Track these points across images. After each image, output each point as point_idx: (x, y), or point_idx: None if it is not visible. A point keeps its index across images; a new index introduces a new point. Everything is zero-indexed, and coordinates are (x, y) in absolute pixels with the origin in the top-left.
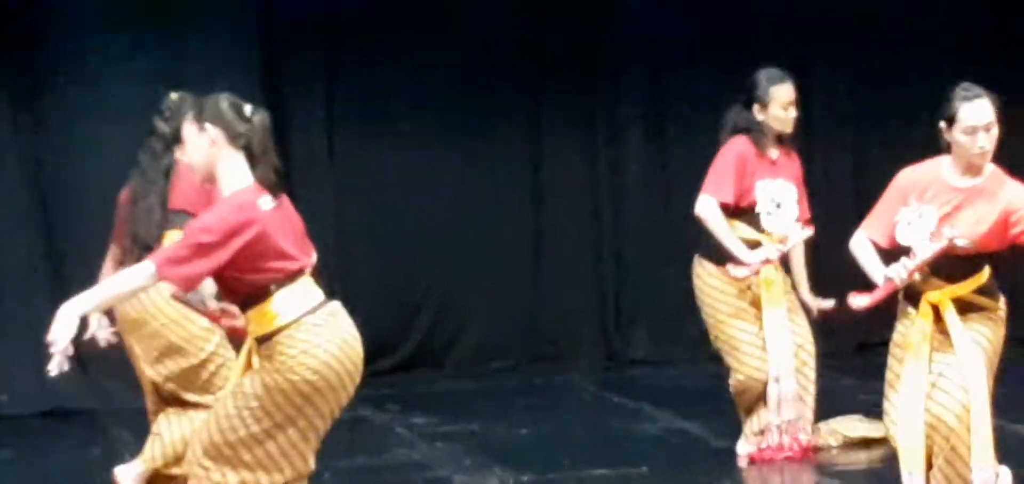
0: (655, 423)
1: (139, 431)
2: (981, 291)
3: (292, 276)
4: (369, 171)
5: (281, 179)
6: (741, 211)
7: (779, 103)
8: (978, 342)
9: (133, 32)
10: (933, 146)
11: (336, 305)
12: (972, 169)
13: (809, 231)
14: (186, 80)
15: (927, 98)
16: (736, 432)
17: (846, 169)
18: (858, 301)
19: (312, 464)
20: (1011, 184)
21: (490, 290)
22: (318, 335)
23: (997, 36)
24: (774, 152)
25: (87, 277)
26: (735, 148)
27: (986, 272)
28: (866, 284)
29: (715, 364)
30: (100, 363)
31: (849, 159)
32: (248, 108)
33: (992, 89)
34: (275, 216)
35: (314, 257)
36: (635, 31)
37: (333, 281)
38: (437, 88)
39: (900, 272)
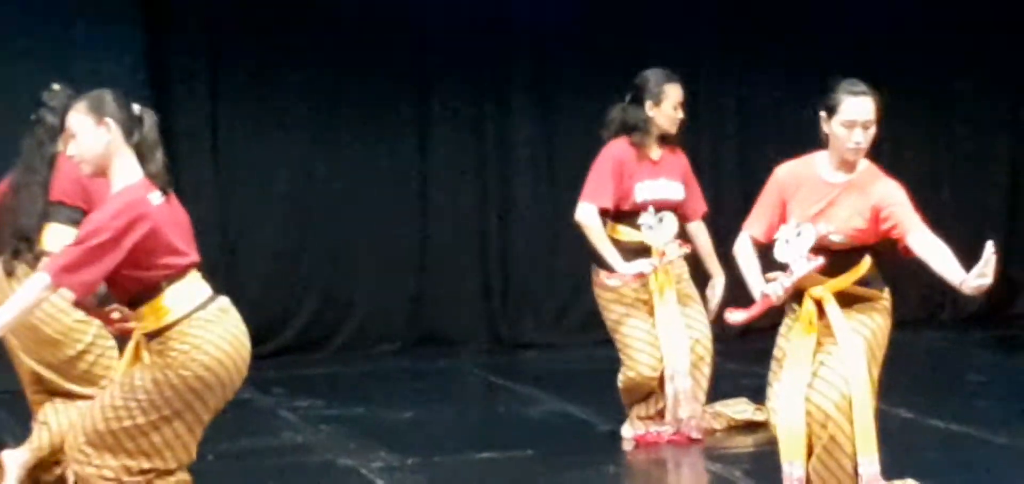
0: (541, 407)
1: (21, 415)
2: (863, 283)
3: (182, 272)
4: (254, 155)
5: (169, 174)
6: (624, 214)
7: (671, 102)
8: (860, 332)
9: (14, 16)
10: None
11: (225, 301)
12: (845, 165)
13: (685, 249)
14: (69, 67)
15: (816, 95)
16: (622, 416)
17: (733, 165)
18: (734, 316)
19: (194, 454)
20: (883, 180)
21: (376, 273)
22: (209, 331)
23: (893, 34)
24: (656, 152)
25: None
26: (612, 152)
27: (866, 264)
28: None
29: (601, 348)
30: None
31: (734, 157)
32: (136, 106)
33: (885, 85)
34: (164, 212)
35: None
36: (523, 18)
37: (218, 264)
38: (322, 73)
39: (776, 290)
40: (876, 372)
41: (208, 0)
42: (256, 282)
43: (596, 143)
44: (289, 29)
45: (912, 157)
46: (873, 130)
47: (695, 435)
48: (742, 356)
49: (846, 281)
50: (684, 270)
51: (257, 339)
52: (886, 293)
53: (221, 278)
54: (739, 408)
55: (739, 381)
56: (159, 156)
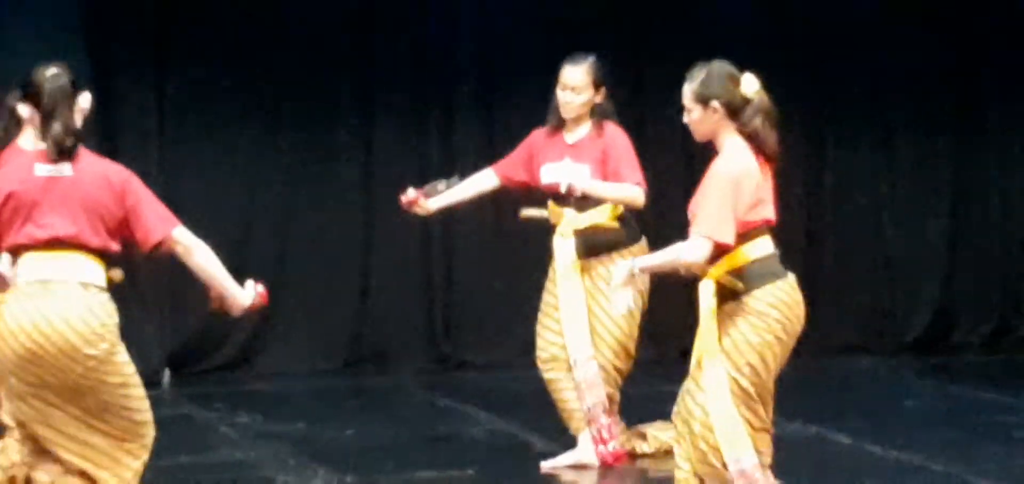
0: (482, 426)
1: None
2: (739, 276)
3: (42, 245)
4: (197, 166)
5: (66, 143)
6: (541, 194)
7: (560, 84)
8: (730, 336)
9: None
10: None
11: (57, 283)
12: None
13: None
14: (7, 69)
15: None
16: (562, 437)
17: (677, 158)
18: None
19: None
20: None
21: (318, 290)
22: (15, 304)
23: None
24: (574, 135)
25: None
26: (529, 137)
27: (741, 253)
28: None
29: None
30: None
31: (679, 150)
32: (51, 70)
33: (825, 84)
34: (43, 184)
35: (81, 231)
36: (467, 30)
37: (161, 279)
38: (268, 86)
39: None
40: (747, 377)
41: (152, 10)
42: (198, 297)
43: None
44: (234, 38)
45: (855, 190)
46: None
47: (604, 420)
48: (682, 377)
49: (717, 271)
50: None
51: (198, 354)
52: (760, 293)
53: (164, 290)
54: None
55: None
56: (56, 127)
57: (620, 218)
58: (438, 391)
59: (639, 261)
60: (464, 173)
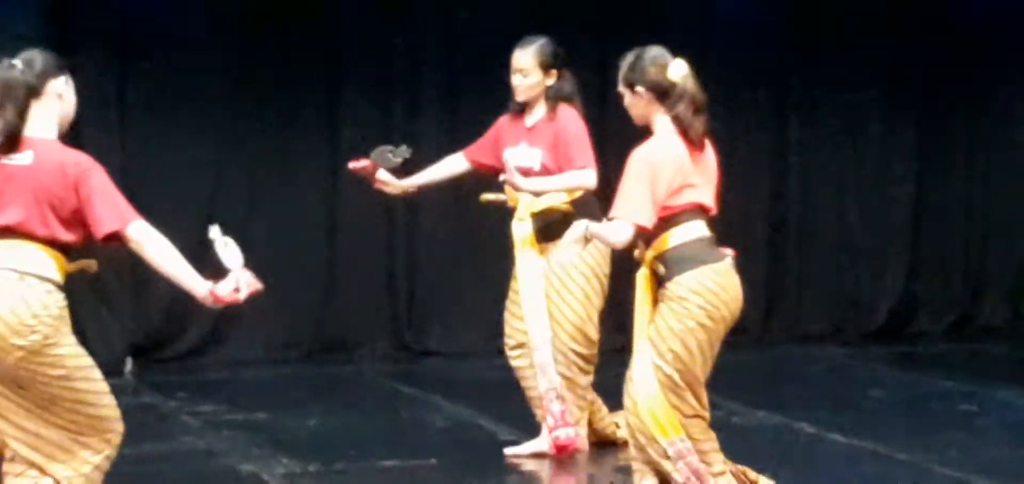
0: (446, 416)
1: None
2: (662, 261)
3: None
4: (160, 154)
5: (13, 138)
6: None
7: (511, 67)
8: (655, 323)
9: None
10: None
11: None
12: None
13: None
14: None
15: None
16: (526, 426)
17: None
18: None
19: None
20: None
21: (281, 277)
22: None
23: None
24: (530, 118)
25: None
26: (500, 117)
27: (661, 242)
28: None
29: (505, 358)
30: None
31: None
32: (12, 60)
33: (790, 70)
34: (9, 173)
35: (28, 219)
36: (430, 19)
37: (123, 266)
38: (231, 71)
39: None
40: (670, 364)
41: (113, 9)
42: (160, 284)
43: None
44: (197, 27)
45: (819, 178)
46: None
47: (557, 407)
48: None
49: (650, 255)
50: (580, 258)
51: (160, 342)
52: (681, 280)
53: (126, 279)
54: None
55: None
56: (4, 115)
57: (577, 201)
58: (401, 380)
59: (593, 225)
60: (427, 161)
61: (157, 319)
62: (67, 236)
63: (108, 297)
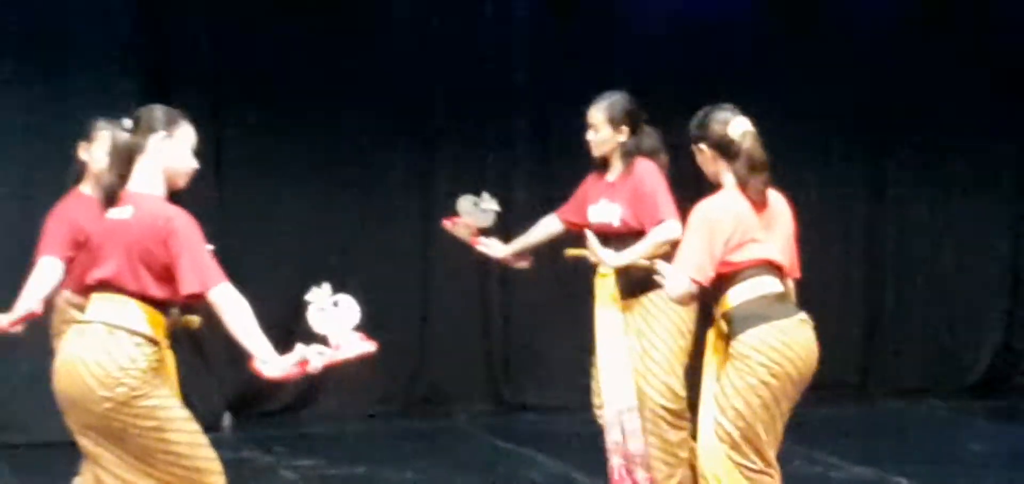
0: (542, 470)
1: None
2: (726, 319)
3: (93, 287)
4: (257, 213)
5: (106, 192)
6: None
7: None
8: (720, 381)
9: (9, 64)
10: None
11: (90, 325)
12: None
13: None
14: (65, 116)
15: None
16: None
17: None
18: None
19: None
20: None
21: (378, 332)
22: (64, 343)
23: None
24: (611, 174)
25: None
26: (588, 175)
27: (726, 300)
28: None
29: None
30: None
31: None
32: (125, 119)
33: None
34: (108, 226)
35: (121, 274)
36: (523, 77)
37: (218, 319)
38: (327, 130)
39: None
40: (731, 421)
41: (209, 59)
42: None
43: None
44: (292, 88)
45: (915, 230)
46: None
47: (640, 476)
48: None
49: (716, 314)
50: (665, 315)
51: (258, 397)
52: (744, 338)
53: (223, 334)
54: None
55: None
56: (105, 176)
57: (665, 255)
58: (497, 434)
59: (661, 266)
60: (521, 215)
61: (254, 375)
62: (158, 291)
63: (205, 352)
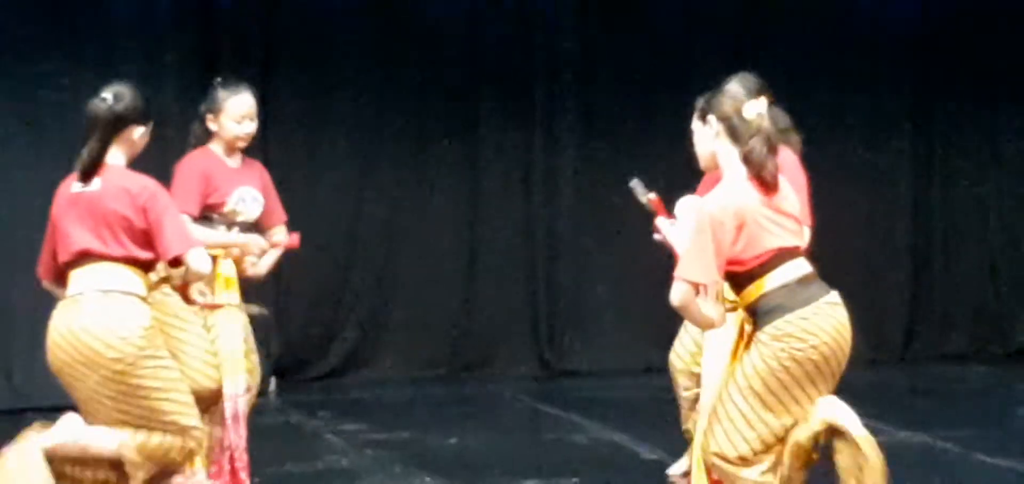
0: (586, 434)
1: None
2: (749, 313)
3: (75, 260)
4: (303, 178)
5: (86, 165)
6: None
7: None
8: (740, 361)
9: (58, 56)
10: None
11: (83, 294)
12: None
13: None
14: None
15: None
16: (667, 444)
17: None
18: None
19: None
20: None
21: (422, 298)
22: (51, 321)
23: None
24: None
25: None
26: None
27: (746, 295)
28: None
29: (647, 376)
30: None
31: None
32: (108, 91)
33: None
34: (73, 200)
35: (103, 242)
36: (568, 47)
37: (266, 286)
38: (373, 96)
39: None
40: (743, 398)
41: (258, 29)
42: (302, 305)
43: (640, 165)
44: (339, 55)
45: (962, 192)
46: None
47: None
48: None
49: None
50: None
51: (303, 362)
52: (764, 329)
53: (268, 301)
54: None
55: None
56: (85, 149)
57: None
58: (542, 398)
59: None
60: (565, 183)
61: (301, 339)
62: (143, 254)
63: (251, 318)
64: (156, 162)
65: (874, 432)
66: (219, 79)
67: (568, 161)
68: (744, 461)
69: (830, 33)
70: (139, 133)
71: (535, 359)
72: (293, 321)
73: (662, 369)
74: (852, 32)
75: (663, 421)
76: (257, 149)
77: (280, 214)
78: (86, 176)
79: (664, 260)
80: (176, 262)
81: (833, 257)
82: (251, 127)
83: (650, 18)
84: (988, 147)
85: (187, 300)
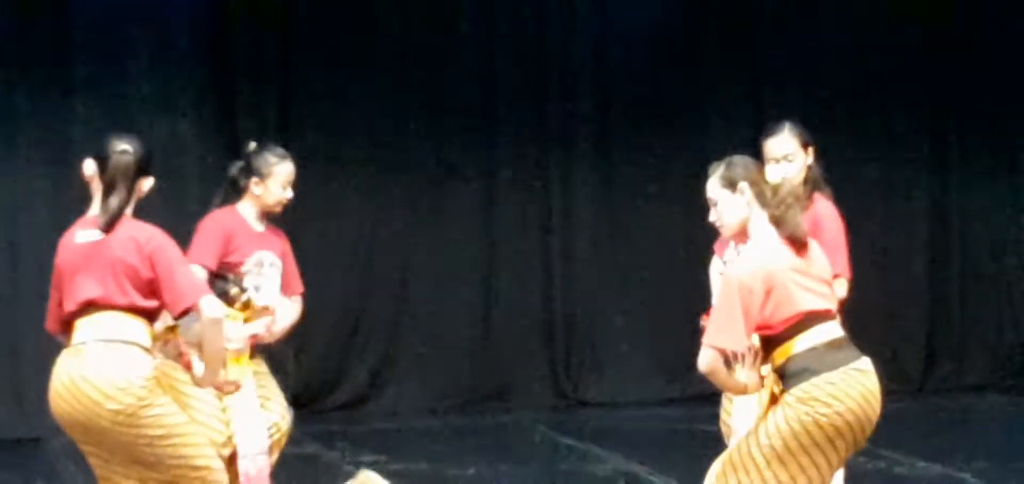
0: (603, 465)
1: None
2: (777, 375)
3: (80, 309)
4: (321, 209)
5: (113, 216)
6: None
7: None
8: (764, 419)
9: (73, 69)
10: None
11: (86, 344)
12: None
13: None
14: (126, 92)
15: None
16: (684, 474)
17: None
18: None
19: None
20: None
21: (440, 328)
22: (54, 371)
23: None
24: None
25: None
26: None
27: (775, 357)
28: None
29: (664, 407)
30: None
31: None
32: (122, 144)
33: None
34: (80, 250)
35: (107, 292)
36: (585, 69)
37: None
38: (389, 128)
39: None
40: (760, 452)
41: (274, 54)
42: (321, 335)
43: (657, 199)
44: (356, 86)
45: (979, 220)
46: None
47: None
48: None
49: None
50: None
51: (321, 391)
52: (793, 391)
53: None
54: None
55: None
56: (112, 200)
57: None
58: (559, 429)
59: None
60: (583, 212)
61: (318, 369)
62: (147, 303)
63: (269, 348)
64: (173, 192)
65: (892, 463)
66: (254, 144)
67: (585, 193)
68: None
69: (846, 60)
70: (148, 184)
71: (552, 390)
72: (311, 351)
73: (678, 400)
74: (866, 61)
75: (679, 452)
76: None
77: (297, 284)
78: (110, 227)
79: (682, 291)
80: (185, 313)
81: (851, 288)
82: (291, 194)
83: (665, 44)
84: (1005, 177)
85: (188, 367)
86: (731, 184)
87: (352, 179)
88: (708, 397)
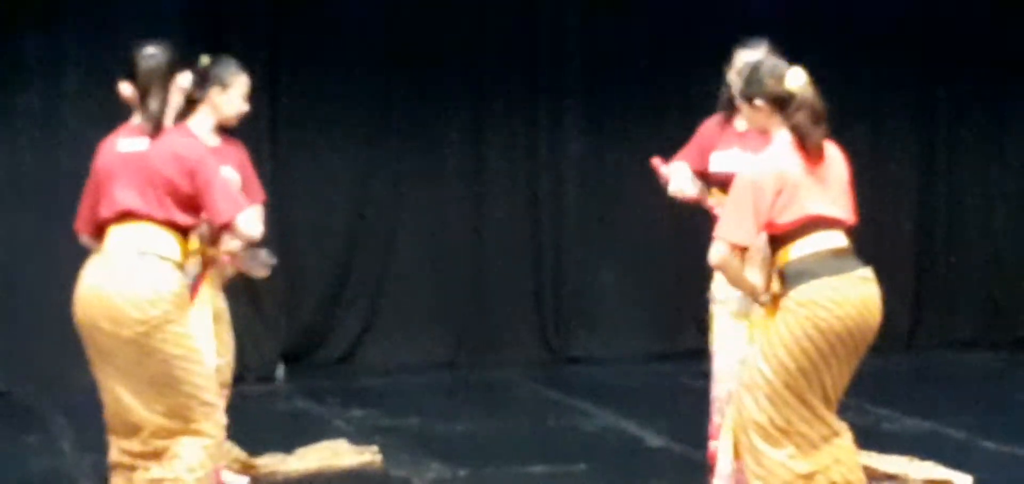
0: (593, 421)
1: (77, 417)
2: (779, 276)
3: (115, 218)
4: (310, 167)
5: (156, 119)
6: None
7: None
8: (767, 331)
9: (67, 31)
10: None
11: (118, 253)
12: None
13: None
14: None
15: None
16: (674, 430)
17: None
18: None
19: None
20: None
21: (429, 284)
22: (82, 276)
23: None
24: (742, 122)
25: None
26: (704, 122)
27: (779, 257)
28: None
29: (652, 362)
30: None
31: None
32: (148, 49)
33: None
34: (122, 159)
35: (147, 203)
36: (574, 30)
37: (274, 272)
38: (378, 85)
39: None
40: (772, 371)
41: (264, 19)
42: (310, 291)
43: (646, 152)
44: (345, 44)
45: (967, 179)
46: None
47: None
48: None
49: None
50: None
51: (311, 348)
52: (792, 294)
53: (277, 285)
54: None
55: None
56: (151, 104)
57: None
58: (548, 385)
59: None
60: (571, 167)
61: (308, 325)
62: (185, 219)
63: (259, 304)
64: None
65: (880, 419)
66: (208, 58)
67: (574, 148)
68: (767, 435)
69: (835, 25)
70: (185, 79)
71: (541, 346)
72: (301, 307)
73: (667, 355)
74: (856, 25)
75: (668, 407)
76: (264, 138)
77: (258, 193)
78: (156, 131)
79: (670, 248)
80: (226, 228)
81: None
82: (248, 108)
83: (653, 8)
84: (993, 135)
85: (208, 264)
86: (748, 98)
87: (341, 137)
88: (696, 353)
